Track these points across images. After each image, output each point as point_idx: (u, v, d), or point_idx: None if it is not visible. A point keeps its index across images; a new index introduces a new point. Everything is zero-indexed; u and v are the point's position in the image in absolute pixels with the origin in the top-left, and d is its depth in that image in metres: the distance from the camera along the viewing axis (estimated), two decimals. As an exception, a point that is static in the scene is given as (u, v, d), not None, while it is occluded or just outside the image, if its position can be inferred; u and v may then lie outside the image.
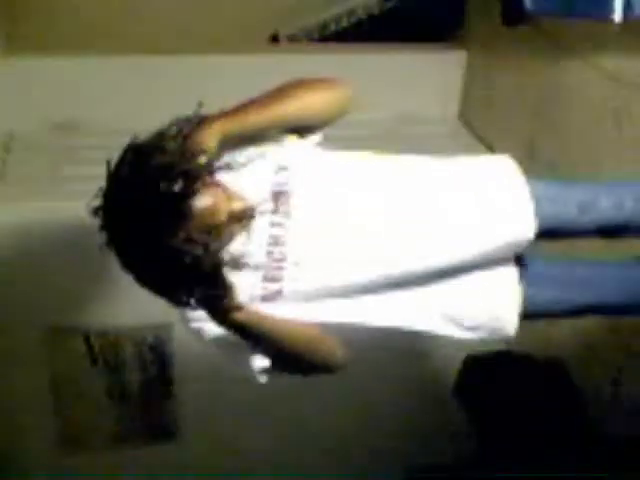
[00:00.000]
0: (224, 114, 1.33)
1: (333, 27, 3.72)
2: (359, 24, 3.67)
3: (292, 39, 3.77)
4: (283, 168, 1.39)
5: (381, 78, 3.33)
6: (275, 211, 1.36)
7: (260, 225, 1.33)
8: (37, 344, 2.88)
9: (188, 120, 1.29)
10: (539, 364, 2.88)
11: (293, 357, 1.38)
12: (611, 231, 1.65)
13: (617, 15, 2.09)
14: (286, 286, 1.36)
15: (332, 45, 3.65)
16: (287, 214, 1.36)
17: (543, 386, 2.80)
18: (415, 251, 1.41)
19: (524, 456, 2.54)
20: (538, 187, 1.54)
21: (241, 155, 1.36)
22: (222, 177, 1.26)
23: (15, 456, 3.04)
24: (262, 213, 1.31)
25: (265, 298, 1.36)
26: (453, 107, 3.54)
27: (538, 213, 1.51)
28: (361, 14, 3.67)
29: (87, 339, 2.92)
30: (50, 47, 3.25)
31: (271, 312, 1.33)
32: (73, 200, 2.72)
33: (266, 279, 1.36)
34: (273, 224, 1.35)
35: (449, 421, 3.27)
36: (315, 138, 1.47)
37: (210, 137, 1.26)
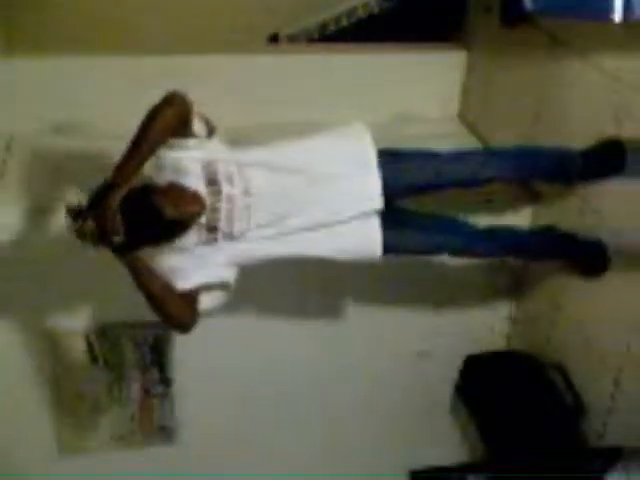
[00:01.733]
0: (118, 170, 1.87)
1: (333, 27, 3.71)
2: (359, 24, 3.66)
3: (292, 39, 3.77)
4: (209, 163, 2.00)
5: (381, 78, 3.34)
6: (214, 192, 1.99)
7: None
8: (37, 344, 2.88)
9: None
10: (539, 364, 2.89)
11: (152, 302, 1.94)
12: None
13: (617, 15, 2.08)
14: (220, 236, 2.04)
15: (332, 45, 3.65)
16: (219, 192, 2.00)
17: (543, 386, 2.80)
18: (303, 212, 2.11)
19: (525, 457, 2.54)
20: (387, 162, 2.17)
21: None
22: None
23: (15, 456, 3.04)
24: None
25: (207, 242, 2.03)
26: (453, 107, 3.54)
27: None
28: (361, 14, 3.66)
29: (87, 339, 2.92)
30: (50, 47, 3.25)
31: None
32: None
33: (208, 230, 2.02)
34: (211, 200, 2.00)
35: (451, 422, 3.28)
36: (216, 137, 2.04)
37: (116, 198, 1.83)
